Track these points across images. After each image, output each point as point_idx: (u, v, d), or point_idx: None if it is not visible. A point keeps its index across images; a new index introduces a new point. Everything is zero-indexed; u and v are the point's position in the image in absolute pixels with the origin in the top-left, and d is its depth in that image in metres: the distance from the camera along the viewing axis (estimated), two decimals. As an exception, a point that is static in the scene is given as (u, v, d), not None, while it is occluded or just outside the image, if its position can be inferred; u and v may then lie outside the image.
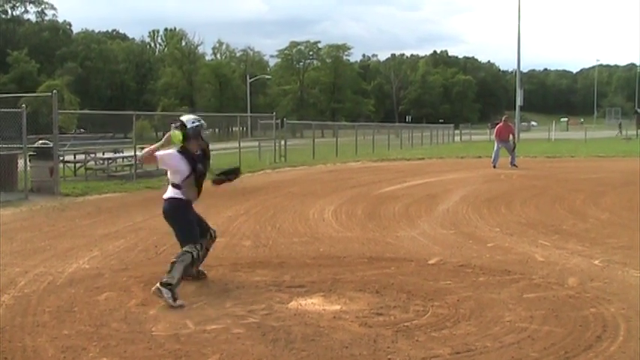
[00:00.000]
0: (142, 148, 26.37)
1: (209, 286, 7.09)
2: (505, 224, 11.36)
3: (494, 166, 24.54)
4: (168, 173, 6.99)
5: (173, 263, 6.51)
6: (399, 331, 5.57)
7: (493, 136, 26.68)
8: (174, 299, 6.31)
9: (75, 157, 23.01)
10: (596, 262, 8.31)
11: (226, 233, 10.63)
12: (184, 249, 6.68)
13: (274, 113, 33.42)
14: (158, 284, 6.36)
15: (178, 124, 6.84)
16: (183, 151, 6.81)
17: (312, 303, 6.47)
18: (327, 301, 6.54)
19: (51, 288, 7.20)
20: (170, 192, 6.91)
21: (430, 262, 8.40)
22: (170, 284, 6.33)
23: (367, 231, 10.88)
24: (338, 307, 6.32)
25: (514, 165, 24.75)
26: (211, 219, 11.91)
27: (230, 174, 7.66)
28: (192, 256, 6.66)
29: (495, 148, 25.36)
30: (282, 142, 31.07)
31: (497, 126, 26.08)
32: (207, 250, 7.33)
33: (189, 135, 6.79)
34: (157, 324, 5.80)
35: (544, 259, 8.52)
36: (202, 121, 7.00)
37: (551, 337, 5.42)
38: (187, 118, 6.96)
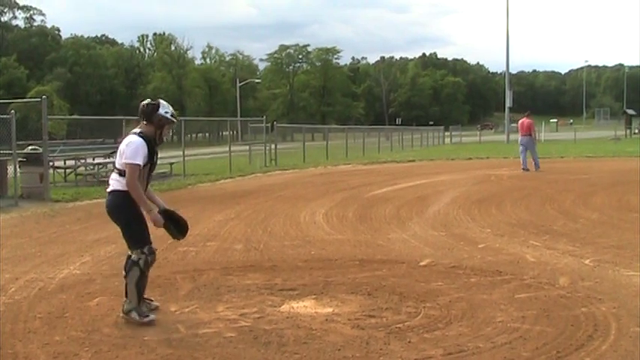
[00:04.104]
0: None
1: (200, 290, 7.08)
2: (496, 225, 11.39)
3: (538, 167, 23.17)
4: (118, 160, 6.15)
5: (126, 285, 6.07)
6: (391, 332, 5.58)
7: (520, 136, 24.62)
8: (143, 316, 5.98)
9: (65, 163, 22.94)
10: (587, 261, 8.34)
11: (217, 237, 10.63)
12: (131, 258, 6.03)
13: (264, 117, 33.43)
14: (122, 313, 6.07)
15: (153, 102, 6.25)
16: (145, 136, 6.10)
17: (304, 306, 6.47)
18: (319, 303, 6.55)
19: (42, 294, 7.18)
20: (117, 183, 6.10)
21: (421, 263, 8.41)
22: (130, 310, 6.00)
23: (358, 233, 10.88)
24: (330, 309, 6.32)
25: (526, 169, 23.40)
26: (202, 223, 11.97)
27: (176, 231, 6.43)
28: (140, 266, 5.99)
29: (523, 150, 23.89)
30: (273, 146, 31.04)
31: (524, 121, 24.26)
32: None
33: (154, 120, 6.14)
34: (149, 329, 5.79)
35: (535, 259, 8.55)
36: (175, 119, 6.32)
37: (543, 336, 5.44)
38: (164, 104, 6.29)
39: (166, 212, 6.21)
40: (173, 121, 6.29)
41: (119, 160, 6.09)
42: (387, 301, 6.58)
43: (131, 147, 6.00)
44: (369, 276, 7.71)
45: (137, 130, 6.19)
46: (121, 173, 6.04)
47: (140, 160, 5.96)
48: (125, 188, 5.98)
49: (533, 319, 5.89)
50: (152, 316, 6.00)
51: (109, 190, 6.15)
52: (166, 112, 6.20)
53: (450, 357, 5.04)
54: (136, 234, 6.07)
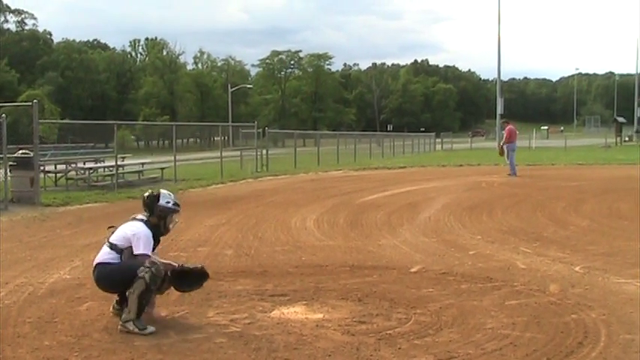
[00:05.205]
0: (124, 158, 26.10)
1: (191, 296, 7.06)
2: (487, 232, 11.41)
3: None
4: (117, 237, 6.12)
5: (129, 294, 5.88)
6: (381, 339, 5.58)
7: (505, 143, 25.46)
8: (141, 329, 5.79)
9: (56, 167, 22.89)
10: (577, 268, 8.37)
11: (208, 242, 10.62)
12: (137, 275, 5.80)
13: (256, 122, 33.38)
14: (120, 323, 5.90)
15: (153, 193, 6.32)
16: (150, 225, 6.14)
17: (295, 312, 6.47)
18: (310, 309, 6.54)
19: (32, 299, 7.15)
20: (103, 256, 6.11)
21: (412, 270, 8.42)
22: (128, 320, 5.82)
23: (349, 239, 10.88)
24: (320, 315, 6.32)
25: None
26: (193, 228, 11.95)
27: (193, 283, 6.35)
28: (145, 280, 5.77)
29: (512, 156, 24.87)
30: (264, 152, 31.04)
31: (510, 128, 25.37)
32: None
33: (155, 211, 6.19)
34: (139, 334, 5.76)
35: (525, 266, 8.57)
36: (177, 207, 6.33)
37: (533, 343, 5.45)
38: (165, 194, 6.33)
39: (175, 273, 6.18)
40: (176, 210, 6.31)
41: (117, 238, 6.08)
42: (377, 307, 6.59)
43: (140, 239, 6.00)
44: (360, 282, 7.71)
45: (143, 216, 6.22)
46: (112, 247, 6.06)
47: (149, 250, 6.02)
48: (110, 261, 6.02)
49: (524, 326, 5.90)
50: (151, 328, 5.83)
51: (95, 262, 6.14)
52: (167, 202, 6.25)
53: (441, 363, 5.05)
54: (127, 270, 5.88)
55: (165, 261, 6.26)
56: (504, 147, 25.26)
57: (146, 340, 5.60)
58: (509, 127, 25.38)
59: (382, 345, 5.43)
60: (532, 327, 5.88)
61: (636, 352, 5.25)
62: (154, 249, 6.19)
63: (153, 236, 6.10)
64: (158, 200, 6.21)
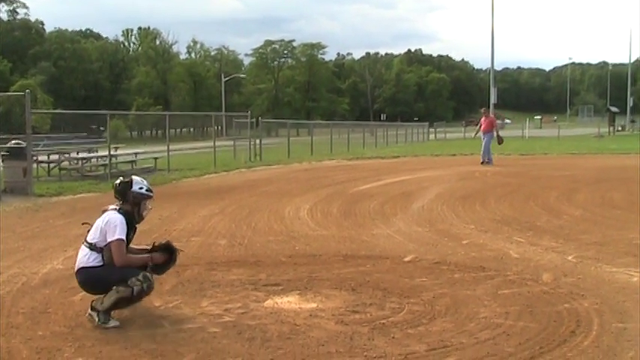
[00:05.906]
0: (117, 148, 26.02)
1: (185, 286, 7.07)
2: (480, 221, 11.42)
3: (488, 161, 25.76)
4: (92, 234, 5.97)
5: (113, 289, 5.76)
6: (375, 328, 5.59)
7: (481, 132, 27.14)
8: (104, 322, 5.73)
9: (49, 157, 22.83)
10: (570, 258, 8.39)
11: (202, 232, 10.62)
12: (128, 283, 5.73)
13: (249, 112, 33.33)
14: (89, 309, 5.86)
15: (125, 180, 6.17)
16: (124, 212, 6.02)
17: (288, 301, 6.48)
18: (303, 299, 6.55)
19: (25, 289, 7.14)
20: (84, 259, 5.92)
21: (406, 259, 8.43)
22: (97, 310, 5.77)
23: (343, 229, 10.89)
24: (314, 305, 6.33)
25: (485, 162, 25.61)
26: (186, 218, 11.95)
27: (163, 263, 6.20)
28: (133, 291, 5.71)
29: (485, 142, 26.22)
30: (258, 141, 31.01)
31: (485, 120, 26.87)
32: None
33: (129, 198, 6.06)
34: (133, 324, 5.77)
35: (519, 255, 8.59)
36: (150, 192, 6.23)
37: (526, 332, 5.46)
38: (137, 180, 6.21)
39: (155, 248, 6.20)
40: (149, 196, 6.21)
41: (94, 235, 5.93)
42: (371, 296, 6.60)
43: (110, 225, 5.87)
44: (353, 272, 7.72)
45: (115, 206, 6.10)
46: (91, 247, 5.90)
47: (122, 234, 5.86)
48: (93, 264, 5.86)
49: (517, 315, 5.92)
50: (115, 322, 5.76)
51: (76, 268, 5.97)
52: (140, 188, 6.13)
53: (434, 352, 5.06)
54: (118, 277, 5.76)
55: (139, 248, 6.26)
56: (483, 135, 26.29)
57: (140, 330, 5.60)
58: (492, 116, 26.87)
59: (376, 334, 5.44)
60: (525, 316, 5.90)
61: (628, 341, 5.28)
62: (130, 239, 6.10)
63: (128, 224, 5.98)
64: (131, 187, 6.10)
